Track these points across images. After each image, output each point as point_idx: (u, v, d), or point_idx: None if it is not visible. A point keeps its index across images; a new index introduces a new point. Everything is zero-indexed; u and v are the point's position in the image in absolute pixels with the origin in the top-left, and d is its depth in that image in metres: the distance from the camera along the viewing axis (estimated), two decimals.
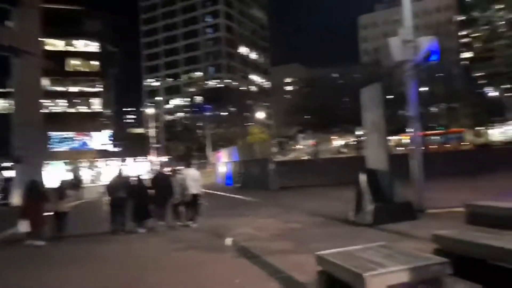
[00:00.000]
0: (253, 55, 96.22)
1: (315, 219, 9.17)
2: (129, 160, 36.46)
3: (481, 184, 14.16)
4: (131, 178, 10.12)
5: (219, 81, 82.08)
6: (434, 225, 6.96)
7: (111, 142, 50.08)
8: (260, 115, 64.13)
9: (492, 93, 68.27)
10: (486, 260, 4.33)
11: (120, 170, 10.13)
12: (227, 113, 60.96)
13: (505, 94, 67.55)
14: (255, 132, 58.33)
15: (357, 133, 40.22)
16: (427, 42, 8.96)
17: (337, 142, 58.03)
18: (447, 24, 75.57)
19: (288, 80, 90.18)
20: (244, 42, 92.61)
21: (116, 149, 49.69)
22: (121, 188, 9.32)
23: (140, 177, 10.01)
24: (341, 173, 15.64)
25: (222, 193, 18.59)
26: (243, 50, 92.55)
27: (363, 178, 8.31)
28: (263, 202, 13.99)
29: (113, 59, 54.64)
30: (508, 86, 73.47)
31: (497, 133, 59.43)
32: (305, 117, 45.65)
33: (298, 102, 47.22)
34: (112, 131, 51.80)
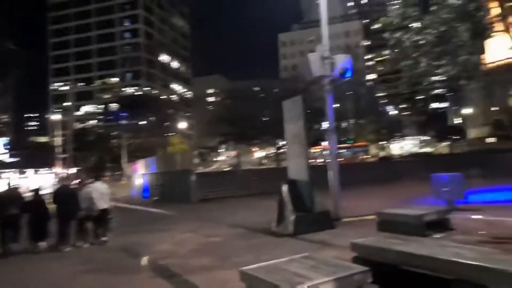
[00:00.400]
0: (175, 64, 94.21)
1: (237, 231, 8.97)
2: (30, 172, 32.29)
3: (388, 192, 15.52)
4: (26, 192, 8.79)
5: (137, 88, 78.29)
6: (350, 233, 7.26)
7: (7, 151, 44.03)
8: (182, 125, 62.64)
9: (392, 111, 76.92)
10: (397, 266, 4.56)
11: (9, 183, 8.74)
12: (145, 122, 58.21)
13: (403, 113, 76.65)
14: (176, 143, 56.64)
15: (277, 145, 41.56)
16: (342, 60, 9.53)
17: (259, 153, 59.31)
18: (355, 47, 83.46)
19: (210, 91, 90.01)
20: (165, 50, 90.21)
21: (13, 159, 43.79)
22: (12, 204, 8.02)
23: (38, 191, 8.74)
24: (263, 184, 15.80)
25: (137, 207, 17.38)
26: (164, 58, 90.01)
27: (285, 188, 8.38)
28: (183, 215, 13.37)
29: (12, 58, 48.50)
30: (405, 105, 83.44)
31: (397, 147, 66.99)
32: (227, 128, 45.81)
33: (220, 113, 47.24)
34: (8, 139, 45.60)
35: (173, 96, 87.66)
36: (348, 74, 9.31)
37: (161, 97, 73.76)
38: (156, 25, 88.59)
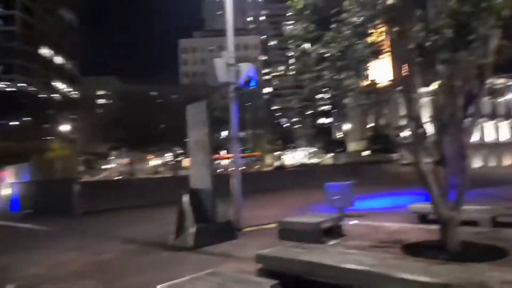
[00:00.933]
0: (59, 60, 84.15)
1: (131, 247, 8.08)
2: None
3: (284, 201, 16.17)
4: None
5: (9, 83, 67.40)
6: (253, 243, 7.16)
7: None
8: (64, 128, 55.89)
9: (286, 124, 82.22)
10: (303, 276, 4.56)
11: None
12: (17, 123, 50.29)
13: (295, 126, 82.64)
14: (56, 148, 50.21)
15: (175, 152, 40.20)
16: (247, 68, 9.55)
17: (154, 161, 56.50)
18: (254, 61, 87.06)
19: (101, 92, 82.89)
20: (47, 43, 79.98)
21: None
22: None
23: None
24: (159, 193, 14.85)
25: (4, 223, 14.55)
26: (45, 51, 79.64)
27: (185, 198, 7.89)
28: (64, 231, 11.61)
29: None
30: (297, 119, 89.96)
31: (290, 158, 71.65)
32: (119, 133, 42.55)
33: (112, 117, 43.69)
34: None
35: (55, 95, 77.96)
36: (253, 83, 9.36)
37: (39, 95, 64.84)
38: (37, 14, 77.99)
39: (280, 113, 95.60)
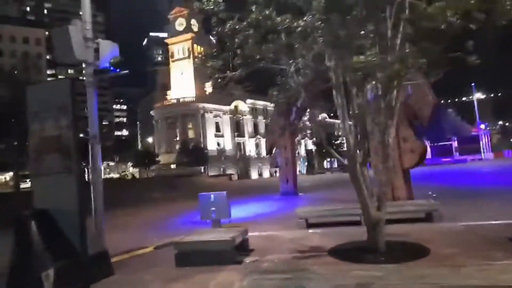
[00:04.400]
0: None
1: None
2: None
3: (130, 218, 13.54)
4: None
5: None
6: (147, 278, 5.24)
7: None
8: None
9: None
10: None
11: None
12: None
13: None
14: None
15: None
16: (110, 47, 7.29)
17: None
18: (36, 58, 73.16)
19: None
20: None
21: None
22: None
23: None
24: None
25: None
26: None
27: (32, 224, 5.03)
28: None
29: None
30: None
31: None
32: None
33: None
34: None
35: None
36: (122, 69, 7.18)
37: None
38: None
39: None
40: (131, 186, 31.51)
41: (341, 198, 14.47)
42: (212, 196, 9.07)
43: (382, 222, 5.65)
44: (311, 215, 8.22)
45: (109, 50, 7.27)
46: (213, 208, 8.93)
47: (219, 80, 6.25)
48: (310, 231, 7.91)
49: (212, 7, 5.79)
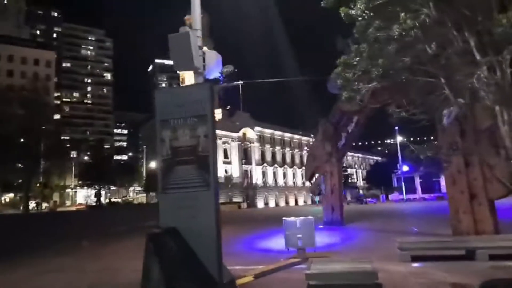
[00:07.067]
0: None
1: None
2: None
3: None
4: None
5: None
6: None
7: None
8: None
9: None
10: None
11: None
12: None
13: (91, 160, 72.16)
14: None
15: None
16: (215, 58, 6.85)
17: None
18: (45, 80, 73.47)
19: None
20: None
21: None
22: None
23: None
24: None
25: None
26: None
27: (171, 244, 4.34)
28: None
29: None
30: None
31: (83, 195, 61.27)
32: None
33: None
34: None
35: None
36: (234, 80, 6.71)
37: None
38: None
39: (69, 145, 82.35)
40: (142, 211, 30.26)
41: (392, 229, 13.78)
42: (297, 222, 8.37)
43: None
44: (416, 246, 7.50)
45: (214, 60, 6.85)
46: (300, 235, 8.22)
47: (352, 93, 5.77)
48: (417, 264, 7.18)
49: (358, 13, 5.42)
